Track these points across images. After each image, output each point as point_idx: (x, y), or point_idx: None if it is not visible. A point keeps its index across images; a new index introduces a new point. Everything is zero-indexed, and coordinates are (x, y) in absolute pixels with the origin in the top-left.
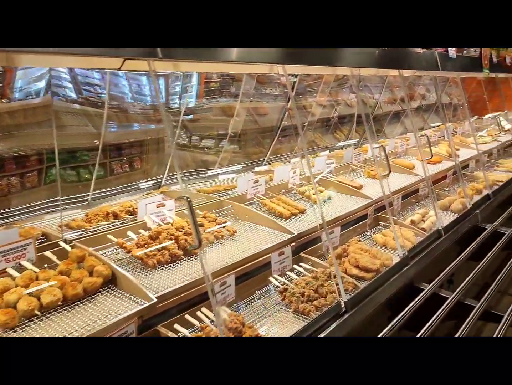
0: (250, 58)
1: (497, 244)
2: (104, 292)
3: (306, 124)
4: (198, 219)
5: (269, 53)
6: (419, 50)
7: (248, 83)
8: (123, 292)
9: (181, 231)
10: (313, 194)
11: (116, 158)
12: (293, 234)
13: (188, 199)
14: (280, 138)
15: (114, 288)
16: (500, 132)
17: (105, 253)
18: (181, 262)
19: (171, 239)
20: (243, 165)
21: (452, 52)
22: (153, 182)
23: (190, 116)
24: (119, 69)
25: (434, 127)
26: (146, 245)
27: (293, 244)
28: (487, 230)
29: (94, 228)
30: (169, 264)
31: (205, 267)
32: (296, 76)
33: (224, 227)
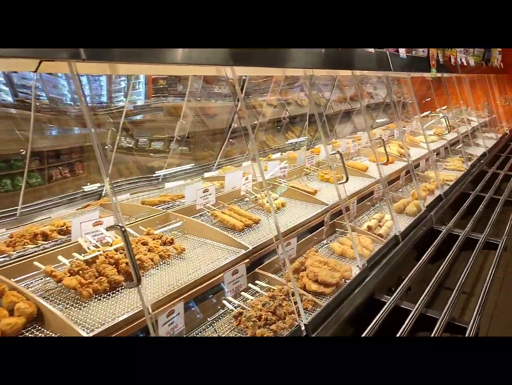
0: (195, 60)
1: (453, 248)
2: (27, 334)
3: (257, 124)
4: (141, 237)
5: (216, 54)
6: (371, 50)
7: (196, 82)
8: (50, 333)
9: (122, 253)
10: (267, 202)
11: (54, 164)
12: (248, 248)
13: (123, 229)
14: (230, 140)
15: (40, 327)
16: (449, 131)
17: (31, 283)
18: (122, 289)
19: (110, 263)
20: (192, 171)
21: (402, 52)
22: (93, 191)
23: (135, 117)
24: (35, 71)
25: (383, 125)
26: (80, 272)
27: (247, 260)
28: (442, 233)
29: (18, 253)
30: (109, 293)
31: (144, 299)
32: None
33: (171, 244)
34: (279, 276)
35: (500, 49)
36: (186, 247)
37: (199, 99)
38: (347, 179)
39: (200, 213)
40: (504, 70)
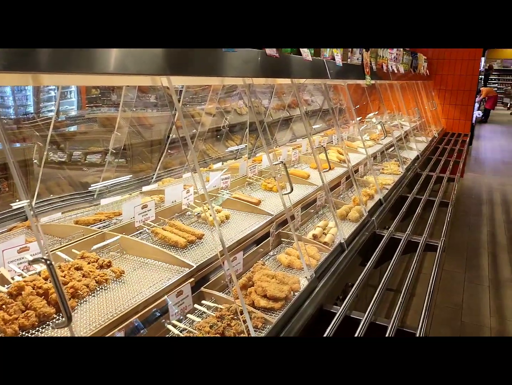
0: (129, 69)
1: (396, 251)
2: None
3: (196, 134)
4: (75, 262)
5: (151, 62)
6: (309, 58)
7: (130, 91)
8: None
9: None
10: (210, 216)
11: None
12: (192, 267)
13: (48, 262)
14: (169, 151)
15: None
16: (385, 136)
17: None
18: (53, 322)
19: (38, 294)
20: (129, 184)
21: (338, 60)
22: (20, 212)
23: (66, 129)
24: None
25: (321, 132)
26: (4, 306)
27: (192, 279)
28: (384, 237)
29: None
30: (38, 329)
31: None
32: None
33: (108, 267)
34: (226, 294)
35: (425, 57)
36: (126, 269)
37: (134, 109)
38: (292, 189)
39: (139, 231)
40: (430, 77)
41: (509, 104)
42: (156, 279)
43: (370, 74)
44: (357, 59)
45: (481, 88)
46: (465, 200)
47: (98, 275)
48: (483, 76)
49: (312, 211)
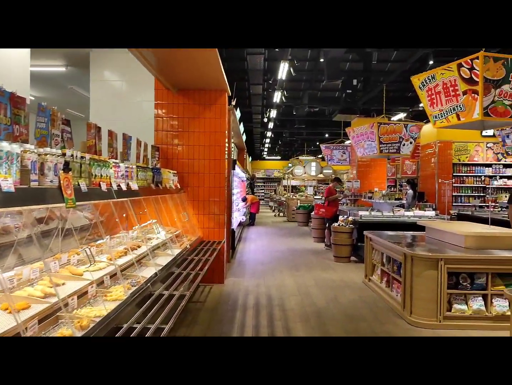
0: None
1: None
2: None
3: None
4: None
5: None
6: None
7: None
8: None
9: None
10: None
11: None
12: None
13: None
14: None
15: None
16: (91, 263)
17: None
18: None
19: None
20: None
21: (7, 186)
22: None
23: None
24: None
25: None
26: None
27: None
28: None
29: None
30: None
31: None
32: None
33: None
34: None
35: (175, 171)
36: None
37: None
38: None
39: None
40: (182, 189)
41: (273, 207)
42: None
43: (73, 196)
44: (51, 181)
45: (246, 196)
46: (222, 307)
47: None
48: (249, 184)
49: None
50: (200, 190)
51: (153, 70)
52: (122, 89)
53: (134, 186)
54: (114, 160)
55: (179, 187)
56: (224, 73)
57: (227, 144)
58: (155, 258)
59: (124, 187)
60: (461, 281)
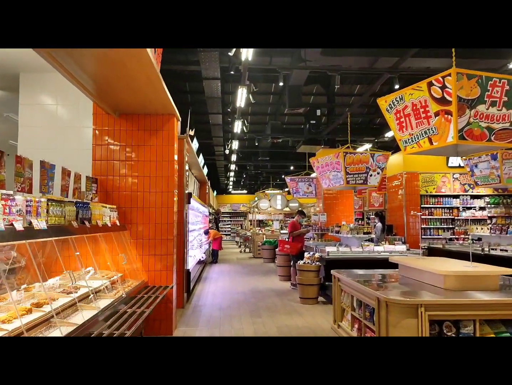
0: None
1: None
2: None
3: None
4: None
5: None
6: None
7: None
8: None
9: None
10: None
11: None
12: None
13: None
14: None
15: None
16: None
17: None
18: None
19: None
20: None
21: None
22: None
23: None
24: None
25: None
26: None
27: None
28: None
29: None
30: None
31: None
32: None
33: None
34: None
35: (115, 206)
36: None
37: None
38: None
39: None
40: (123, 227)
41: (239, 243)
42: None
43: None
44: None
45: (209, 231)
46: None
47: None
48: (214, 219)
49: None
50: (145, 227)
51: (87, 91)
52: (57, 114)
53: (41, 224)
54: (3, 191)
55: (119, 224)
56: (169, 96)
57: (177, 175)
58: (74, 313)
59: (18, 226)
60: (445, 331)
